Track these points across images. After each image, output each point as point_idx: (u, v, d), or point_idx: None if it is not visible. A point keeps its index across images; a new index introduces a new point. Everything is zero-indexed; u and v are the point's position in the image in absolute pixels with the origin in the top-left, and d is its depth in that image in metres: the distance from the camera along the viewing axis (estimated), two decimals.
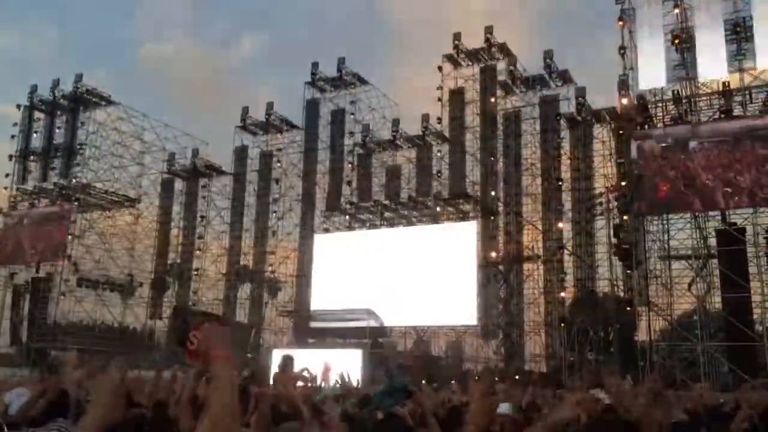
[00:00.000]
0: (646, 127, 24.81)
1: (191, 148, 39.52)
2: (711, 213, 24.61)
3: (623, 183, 25.18)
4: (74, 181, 37.06)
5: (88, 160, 38.31)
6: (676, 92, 24.82)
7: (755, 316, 23.81)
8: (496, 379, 18.09)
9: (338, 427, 4.07)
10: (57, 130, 37.98)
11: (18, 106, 39.30)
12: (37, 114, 38.95)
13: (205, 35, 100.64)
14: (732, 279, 22.42)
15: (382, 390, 4.00)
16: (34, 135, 38.62)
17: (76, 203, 37.35)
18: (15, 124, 39.00)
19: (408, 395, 3.93)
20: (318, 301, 30.06)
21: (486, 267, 28.41)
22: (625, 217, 24.37)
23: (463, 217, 31.57)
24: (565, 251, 27.57)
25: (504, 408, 4.95)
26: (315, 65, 35.18)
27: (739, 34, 24.22)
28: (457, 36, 31.34)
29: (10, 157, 38.55)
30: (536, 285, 28.94)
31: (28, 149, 38.61)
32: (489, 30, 30.64)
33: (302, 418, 4.04)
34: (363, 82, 35.27)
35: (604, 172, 30.16)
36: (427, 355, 29.57)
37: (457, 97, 31.60)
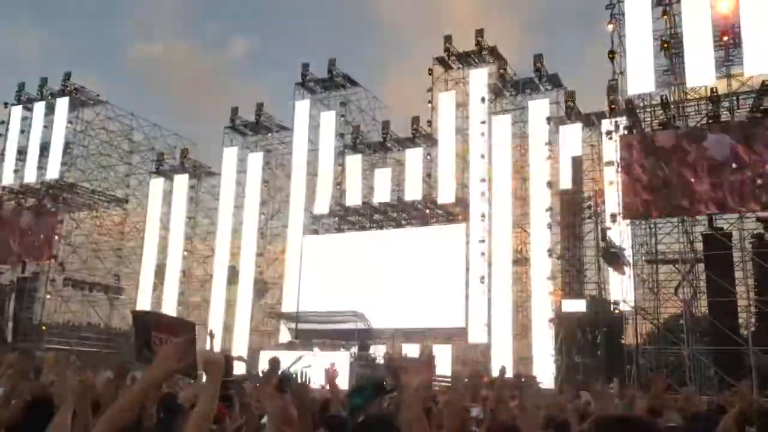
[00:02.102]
0: (635, 131, 24.95)
1: (180, 148, 39.38)
2: (698, 217, 24.77)
3: (611, 186, 25.26)
4: (61, 180, 36.79)
5: (75, 159, 38.09)
6: (664, 97, 24.97)
7: (740, 321, 24.01)
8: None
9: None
10: (44, 129, 37.66)
11: (5, 104, 39.02)
12: (24, 112, 38.65)
13: (196, 35, 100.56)
14: (718, 283, 22.54)
15: (350, 392, 3.80)
16: (21, 133, 38.33)
17: (62, 203, 37.12)
18: (2, 122, 38.74)
19: (382, 391, 3.49)
20: (306, 303, 29.96)
21: (474, 269, 28.37)
22: (613, 221, 24.44)
23: (452, 219, 31.58)
24: (553, 255, 27.62)
25: None
26: (305, 66, 35.05)
27: (727, 40, 24.40)
28: (447, 39, 31.35)
29: None
30: (524, 288, 28.99)
31: (14, 148, 38.31)
32: (480, 33, 30.68)
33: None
34: (353, 83, 35.19)
35: (593, 176, 30.34)
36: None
37: (447, 99, 31.62)
